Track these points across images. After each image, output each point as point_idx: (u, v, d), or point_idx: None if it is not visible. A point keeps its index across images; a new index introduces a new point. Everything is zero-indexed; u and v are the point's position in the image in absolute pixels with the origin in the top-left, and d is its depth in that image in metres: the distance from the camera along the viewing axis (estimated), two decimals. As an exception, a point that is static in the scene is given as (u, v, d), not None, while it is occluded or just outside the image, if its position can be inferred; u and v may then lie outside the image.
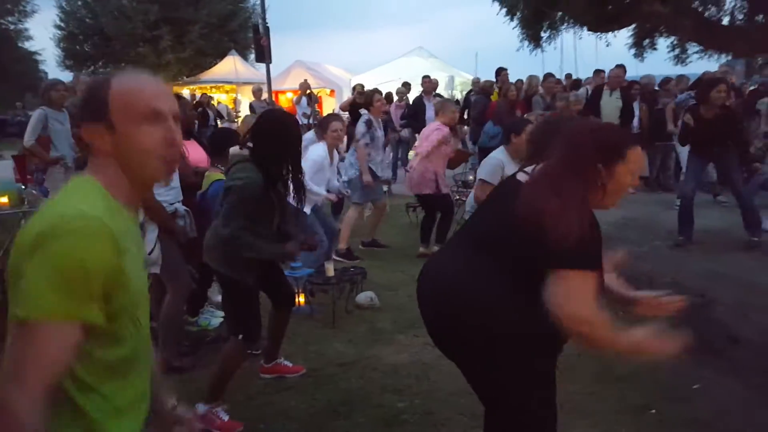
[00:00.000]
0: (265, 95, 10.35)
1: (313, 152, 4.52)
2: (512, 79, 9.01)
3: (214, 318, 3.76)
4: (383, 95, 6.18)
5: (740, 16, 13.73)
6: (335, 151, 4.81)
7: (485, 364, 1.67)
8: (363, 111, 5.69)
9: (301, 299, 3.93)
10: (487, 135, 7.99)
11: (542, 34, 15.27)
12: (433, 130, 5.12)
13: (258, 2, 21.58)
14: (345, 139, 5.76)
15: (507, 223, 1.59)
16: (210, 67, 16.46)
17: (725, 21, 13.90)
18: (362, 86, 8.18)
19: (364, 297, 4.13)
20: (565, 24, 15.12)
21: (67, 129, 5.18)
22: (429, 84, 8.82)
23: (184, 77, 17.75)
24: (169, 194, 3.14)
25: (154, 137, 1.07)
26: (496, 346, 1.62)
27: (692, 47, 14.90)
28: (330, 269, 3.96)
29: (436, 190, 5.16)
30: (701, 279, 4.21)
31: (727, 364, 3.14)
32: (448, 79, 11.93)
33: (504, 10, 15.32)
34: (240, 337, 2.69)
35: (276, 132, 2.63)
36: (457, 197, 5.99)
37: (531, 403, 1.67)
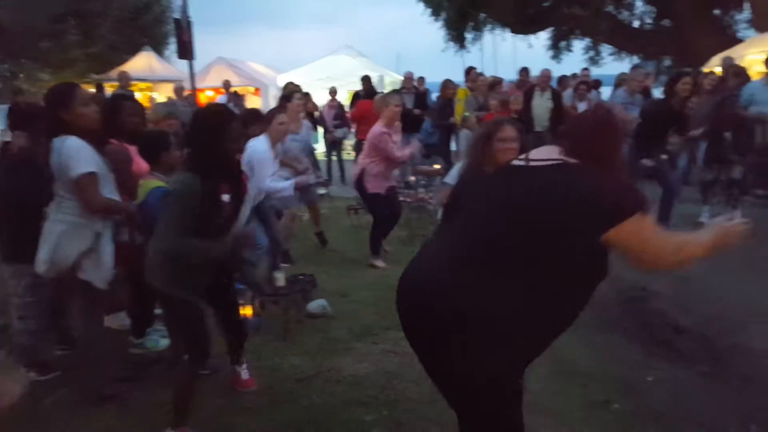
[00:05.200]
0: (188, 93, 9.80)
1: (254, 149, 4.23)
2: (438, 79, 9.09)
3: (163, 339, 3.46)
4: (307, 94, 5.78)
5: (649, 21, 14.85)
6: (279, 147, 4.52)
7: (468, 372, 1.62)
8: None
9: (248, 312, 3.73)
10: (426, 132, 8.08)
11: (466, 35, 15.77)
12: (376, 135, 4.91)
13: (174, -5, 20.57)
14: None
15: (540, 210, 1.60)
16: (122, 64, 15.40)
17: (636, 24, 14.99)
18: (294, 84, 7.91)
19: (316, 306, 3.97)
20: (489, 26, 15.69)
21: None
22: (369, 84, 8.72)
23: (93, 75, 16.50)
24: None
25: None
26: (483, 352, 1.59)
27: (605, 49, 15.91)
28: (280, 279, 3.76)
29: (382, 189, 5.05)
30: (639, 273, 4.39)
31: (675, 355, 3.29)
32: (377, 78, 11.87)
33: (429, 11, 15.64)
34: (186, 359, 2.50)
35: (212, 127, 2.44)
36: (402, 198, 5.94)
37: (508, 410, 1.69)
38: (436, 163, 7.30)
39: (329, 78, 11.56)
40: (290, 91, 5.37)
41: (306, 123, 5.42)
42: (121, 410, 2.84)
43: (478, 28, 15.91)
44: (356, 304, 4.21)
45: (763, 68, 6.89)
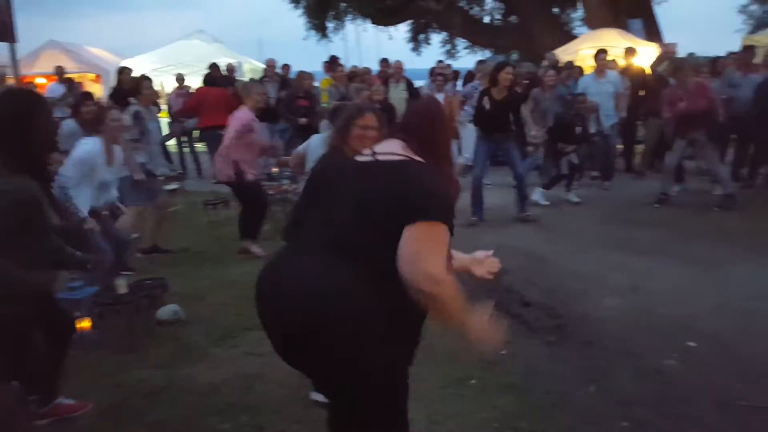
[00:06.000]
0: (11, 81, 8.55)
1: (82, 148, 3.82)
2: (302, 68, 8.89)
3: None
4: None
5: (498, 17, 15.97)
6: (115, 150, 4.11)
7: (352, 368, 1.56)
8: (132, 100, 5.04)
9: (86, 324, 3.31)
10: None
11: (328, 24, 15.73)
12: (236, 117, 4.72)
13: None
14: None
15: (380, 204, 1.58)
16: (-75, 47, 13.02)
17: (486, 20, 16.02)
18: (129, 70, 7.25)
19: (167, 311, 3.64)
20: (350, 16, 15.79)
21: None
22: (217, 72, 8.26)
23: None
24: None
25: None
26: (367, 350, 1.54)
27: (461, 43, 16.82)
28: (122, 286, 3.38)
29: (241, 177, 4.78)
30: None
31: (525, 327, 3.50)
32: (236, 65, 11.35)
33: (289, -2, 15.31)
34: (16, 384, 2.16)
35: (19, 115, 2.11)
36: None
37: (396, 400, 1.68)
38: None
39: (181, 64, 10.83)
40: (136, 82, 4.95)
41: (153, 109, 5.01)
42: None
43: (339, 18, 15.96)
44: (214, 307, 3.94)
45: (594, 62, 7.70)
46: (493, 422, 2.55)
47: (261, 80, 8.69)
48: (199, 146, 8.87)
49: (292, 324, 1.57)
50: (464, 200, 6.08)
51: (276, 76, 8.55)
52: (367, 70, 9.07)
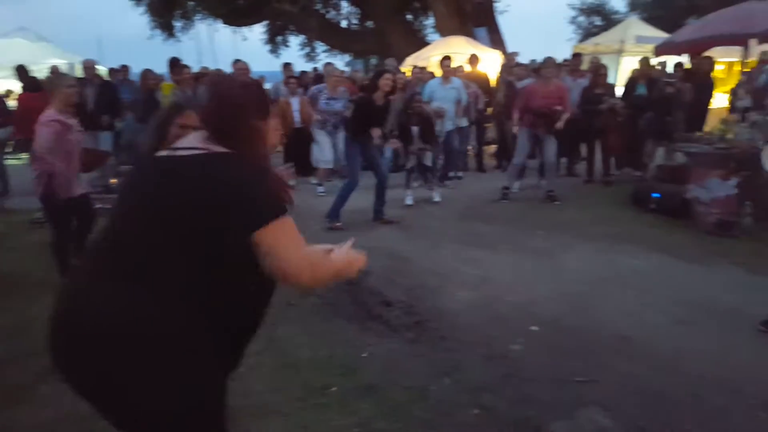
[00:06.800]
0: None
1: None
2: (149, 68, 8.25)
3: None
4: None
5: (355, 21, 16.16)
6: None
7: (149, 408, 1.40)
8: None
9: None
10: (131, 128, 7.27)
11: (176, 23, 14.76)
12: (43, 123, 4.00)
13: None
14: None
15: (184, 209, 1.39)
16: None
17: (343, 24, 16.14)
18: None
19: (-21, 350, 3.13)
20: (200, 15, 14.97)
21: None
22: (25, 75, 7.37)
23: None
24: None
25: None
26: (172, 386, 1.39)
27: (320, 46, 16.81)
28: None
29: (76, 193, 4.21)
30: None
31: (385, 327, 3.54)
32: (67, 66, 10.20)
33: (129, -6, 14.14)
34: None
35: None
36: (99, 205, 5.15)
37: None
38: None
39: (1, 66, 9.50)
40: None
41: None
42: None
43: (187, 17, 15.06)
44: (43, 339, 3.46)
45: (440, 69, 8.09)
46: (353, 427, 2.53)
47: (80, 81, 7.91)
48: (23, 157, 7.82)
49: (77, 354, 1.43)
50: (322, 204, 6.09)
51: (96, 78, 7.84)
52: (219, 72, 8.70)
